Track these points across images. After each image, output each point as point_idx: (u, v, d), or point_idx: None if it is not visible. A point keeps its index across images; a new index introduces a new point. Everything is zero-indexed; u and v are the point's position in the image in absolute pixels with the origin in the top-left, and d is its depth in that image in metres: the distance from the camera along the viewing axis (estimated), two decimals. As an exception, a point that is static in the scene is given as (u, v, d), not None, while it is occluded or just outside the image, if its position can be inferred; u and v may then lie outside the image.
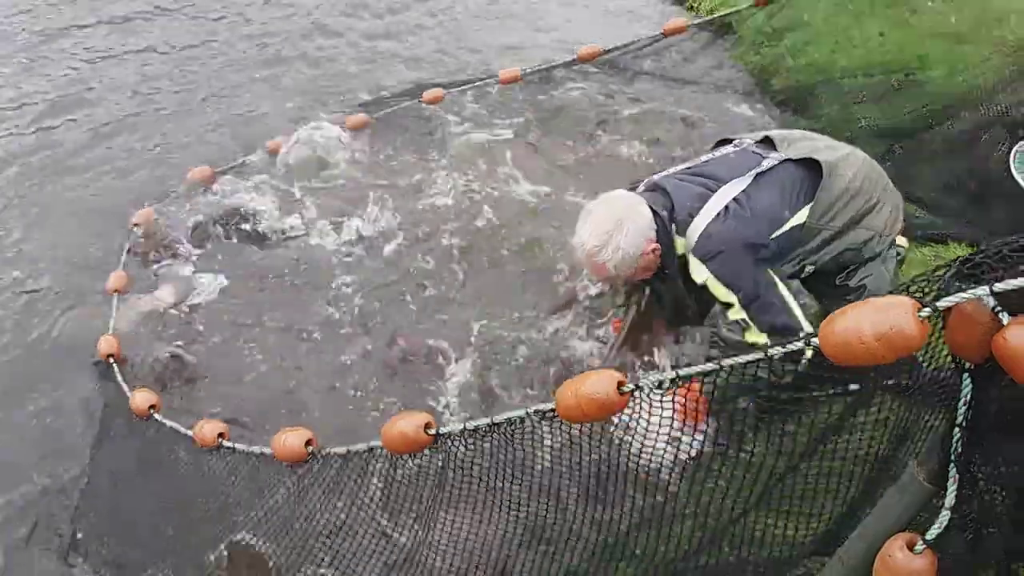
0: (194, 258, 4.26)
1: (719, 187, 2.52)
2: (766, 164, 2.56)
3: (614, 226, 2.50)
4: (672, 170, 2.74)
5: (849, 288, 2.67)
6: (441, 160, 4.95)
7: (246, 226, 4.46)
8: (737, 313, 2.47)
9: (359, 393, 3.43)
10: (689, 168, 2.70)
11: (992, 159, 3.75)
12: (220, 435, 2.54)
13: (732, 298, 2.46)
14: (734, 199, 2.48)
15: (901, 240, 2.76)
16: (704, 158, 2.75)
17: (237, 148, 5.25)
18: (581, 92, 5.64)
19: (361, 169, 4.92)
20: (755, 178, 2.52)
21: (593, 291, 3.70)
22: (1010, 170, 3.61)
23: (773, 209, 2.49)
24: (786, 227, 2.50)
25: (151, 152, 5.34)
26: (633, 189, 2.71)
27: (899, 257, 2.75)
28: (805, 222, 2.51)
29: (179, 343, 3.73)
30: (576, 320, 3.59)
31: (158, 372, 3.54)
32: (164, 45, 6.74)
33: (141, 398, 3.01)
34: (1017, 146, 3.72)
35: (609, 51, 5.62)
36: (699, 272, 2.49)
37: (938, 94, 4.53)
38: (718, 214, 2.47)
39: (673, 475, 1.63)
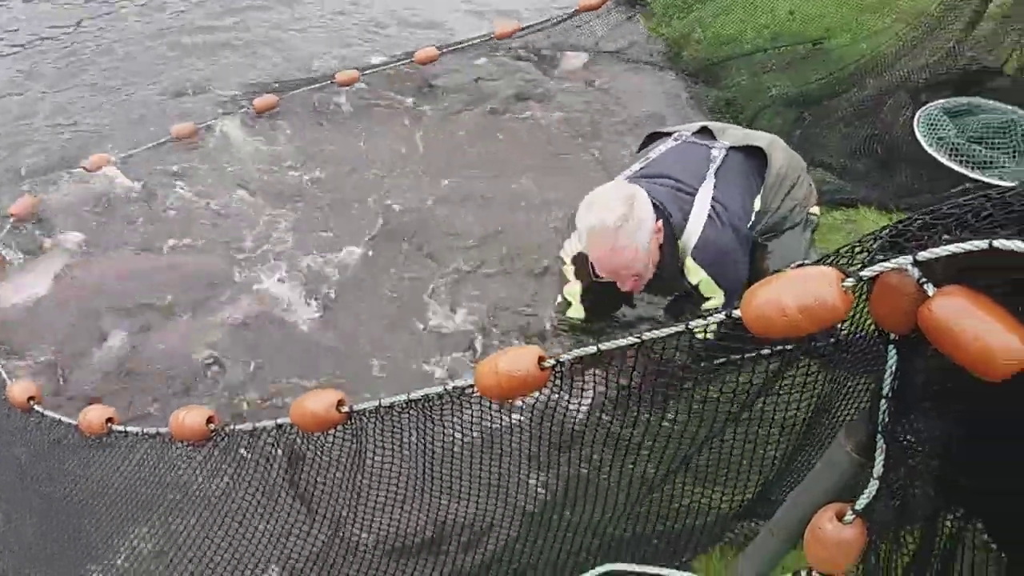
0: (75, 242, 4.02)
1: (692, 189, 2.57)
2: (715, 155, 2.66)
3: (630, 199, 2.38)
4: (628, 173, 2.74)
5: (767, 249, 2.76)
6: (352, 142, 4.79)
7: (140, 210, 4.24)
8: (715, 304, 2.53)
9: (269, 375, 3.28)
10: (643, 169, 2.72)
11: (897, 124, 3.87)
12: (109, 420, 2.33)
13: (719, 295, 2.52)
14: (714, 200, 2.54)
15: (814, 209, 2.88)
16: (652, 155, 2.78)
17: (138, 129, 4.94)
18: (498, 68, 5.55)
19: (269, 152, 4.73)
20: (716, 175, 2.60)
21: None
22: (915, 134, 3.73)
23: (744, 204, 2.61)
24: (752, 217, 2.63)
25: (40, 133, 5.01)
26: None
27: (813, 225, 2.87)
28: (760, 208, 2.66)
29: (60, 332, 3.50)
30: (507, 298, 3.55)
31: (36, 363, 3.32)
32: (50, 16, 6.34)
33: (19, 389, 2.77)
34: (920, 111, 3.84)
35: (525, 28, 5.58)
36: (696, 274, 2.52)
37: (843, 61, 4.64)
38: (710, 218, 2.51)
39: (599, 445, 1.60)
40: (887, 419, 1.09)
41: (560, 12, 5.63)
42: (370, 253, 3.89)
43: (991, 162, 3.57)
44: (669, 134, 2.88)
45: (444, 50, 5.43)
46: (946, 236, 0.94)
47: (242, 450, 2.01)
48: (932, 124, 3.76)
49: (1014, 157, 3.63)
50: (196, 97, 5.34)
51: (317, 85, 5.22)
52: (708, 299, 2.55)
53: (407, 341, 3.39)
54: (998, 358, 0.87)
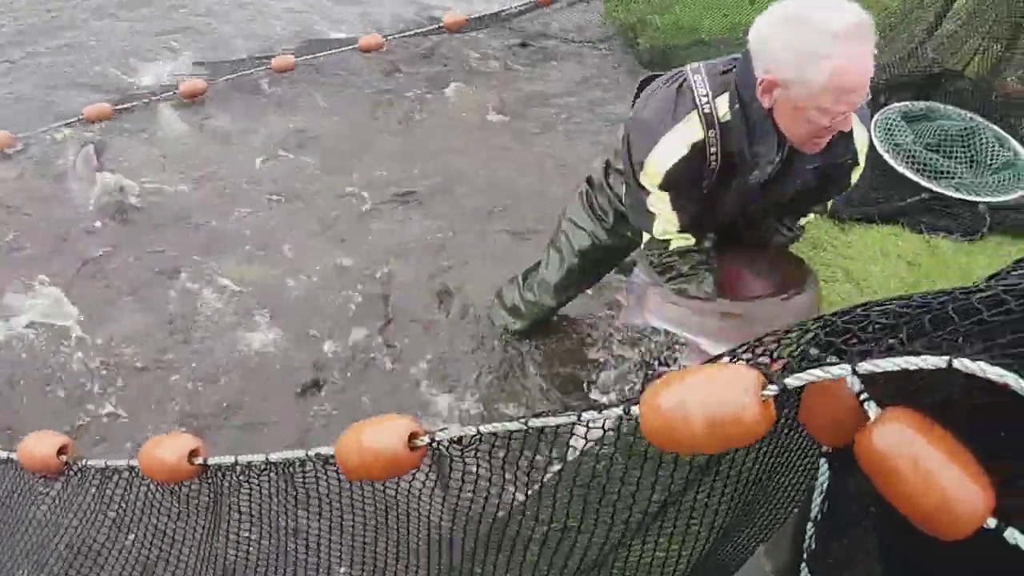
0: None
1: None
2: None
3: None
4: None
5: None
6: (283, 133, 4.47)
7: (48, 203, 3.93)
8: (857, 178, 2.12)
9: (198, 394, 3.00)
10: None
11: (854, 129, 3.69)
12: None
13: (862, 165, 2.08)
14: None
15: None
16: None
17: (47, 112, 4.57)
18: (446, 56, 5.28)
19: (194, 143, 4.39)
20: None
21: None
22: (871, 139, 3.55)
23: None
24: None
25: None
26: None
27: None
28: None
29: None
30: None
31: None
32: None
33: None
34: (879, 114, 3.67)
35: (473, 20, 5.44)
36: (861, 135, 2.01)
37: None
38: None
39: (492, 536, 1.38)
40: (814, 545, 0.89)
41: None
42: (309, 259, 3.56)
43: (948, 172, 3.41)
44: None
45: (390, 38, 5.17)
46: (896, 344, 0.73)
47: (93, 489, 1.75)
48: (890, 128, 3.59)
49: (971, 167, 3.49)
50: (118, 76, 4.99)
51: (250, 71, 4.89)
52: (854, 169, 2.08)
53: (366, 363, 3.11)
54: (957, 517, 0.66)
